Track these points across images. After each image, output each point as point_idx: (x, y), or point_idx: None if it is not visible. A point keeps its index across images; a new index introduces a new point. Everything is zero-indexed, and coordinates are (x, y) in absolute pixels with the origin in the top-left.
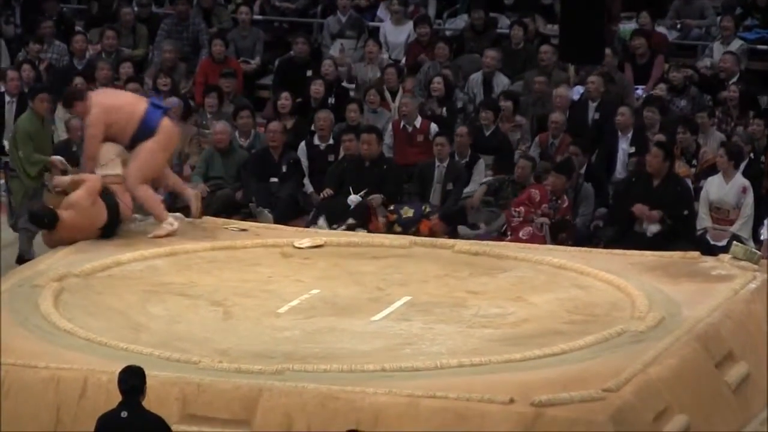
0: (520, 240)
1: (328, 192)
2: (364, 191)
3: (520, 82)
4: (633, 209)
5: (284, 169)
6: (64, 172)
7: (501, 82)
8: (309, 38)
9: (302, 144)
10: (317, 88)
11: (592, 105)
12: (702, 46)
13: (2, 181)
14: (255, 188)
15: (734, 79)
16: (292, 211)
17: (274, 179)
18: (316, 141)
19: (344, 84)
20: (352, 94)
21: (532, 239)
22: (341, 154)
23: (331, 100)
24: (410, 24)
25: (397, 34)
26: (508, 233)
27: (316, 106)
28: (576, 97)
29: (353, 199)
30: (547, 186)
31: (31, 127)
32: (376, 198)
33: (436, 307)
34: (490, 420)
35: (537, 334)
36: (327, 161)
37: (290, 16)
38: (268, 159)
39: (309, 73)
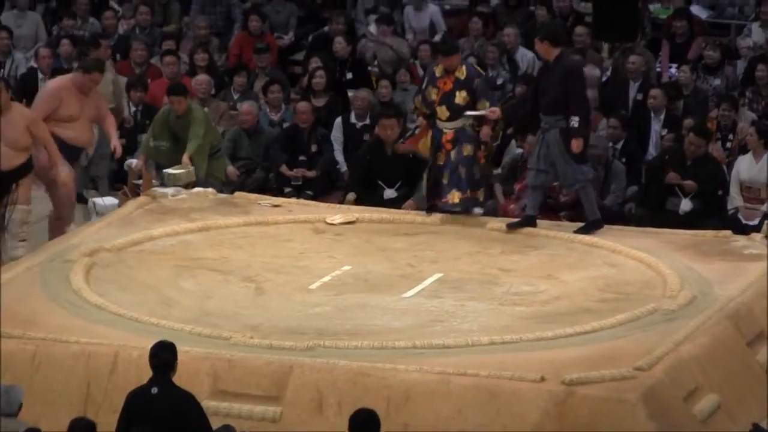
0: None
1: (352, 198)
2: (399, 184)
3: None
4: (667, 177)
5: (314, 148)
6: (139, 176)
7: (525, 56)
8: (345, 17)
9: (338, 120)
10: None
11: (634, 85)
12: (736, 26)
13: None
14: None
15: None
16: (324, 186)
17: (303, 158)
18: (353, 119)
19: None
20: (376, 70)
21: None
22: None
23: (349, 76)
24: (431, 7)
25: (418, 19)
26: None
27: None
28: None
29: (389, 193)
30: None
31: (162, 117)
32: (410, 204)
33: (468, 284)
34: (520, 398)
35: (568, 312)
36: (362, 140)
37: None
38: (297, 136)
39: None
